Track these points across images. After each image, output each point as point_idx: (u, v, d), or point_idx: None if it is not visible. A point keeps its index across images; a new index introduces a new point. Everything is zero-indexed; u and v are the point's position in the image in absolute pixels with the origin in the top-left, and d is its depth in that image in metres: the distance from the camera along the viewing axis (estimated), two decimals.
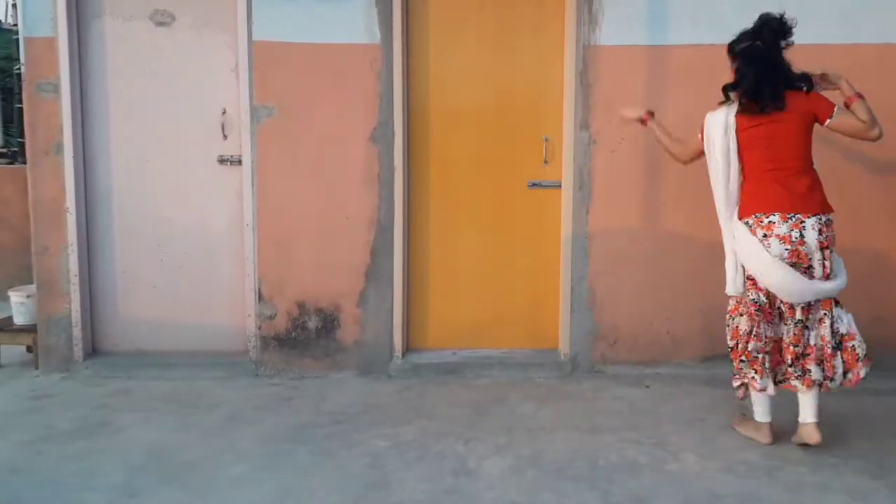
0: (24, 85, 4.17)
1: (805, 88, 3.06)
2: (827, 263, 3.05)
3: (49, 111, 4.06)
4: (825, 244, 3.03)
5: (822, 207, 3.06)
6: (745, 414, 3.35)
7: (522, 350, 4.28)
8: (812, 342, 3.10)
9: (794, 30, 3.08)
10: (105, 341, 4.30)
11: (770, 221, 3.03)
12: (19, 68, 6.16)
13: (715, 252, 4.11)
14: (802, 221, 3.01)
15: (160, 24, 4.14)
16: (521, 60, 4.17)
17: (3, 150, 8.18)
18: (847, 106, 3.03)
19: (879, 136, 3.03)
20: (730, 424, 3.37)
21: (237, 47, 4.08)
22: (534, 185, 4.22)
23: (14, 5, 8.94)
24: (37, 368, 4.21)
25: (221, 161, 4.20)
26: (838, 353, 3.10)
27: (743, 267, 3.14)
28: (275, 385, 4.01)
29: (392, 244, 4.11)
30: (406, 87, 4.11)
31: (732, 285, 3.19)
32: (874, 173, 4.12)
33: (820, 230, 3.02)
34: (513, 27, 4.16)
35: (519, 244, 4.23)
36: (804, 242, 3.01)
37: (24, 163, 4.34)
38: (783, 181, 3.05)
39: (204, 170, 4.21)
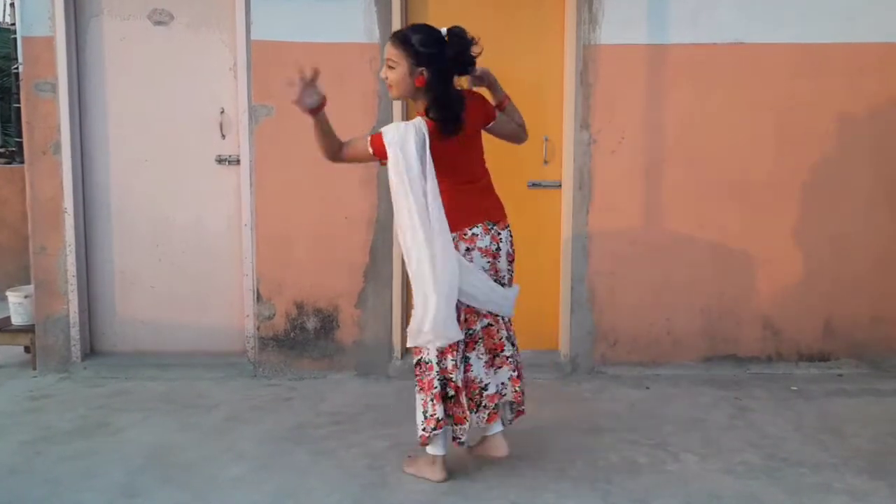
0: (22, 84, 4.16)
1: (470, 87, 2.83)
2: (511, 276, 2.94)
3: (47, 110, 4.05)
4: (512, 257, 2.93)
5: (506, 217, 2.93)
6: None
7: (522, 351, 4.23)
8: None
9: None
10: (103, 341, 4.29)
11: (473, 234, 2.78)
12: (17, 68, 6.15)
13: (715, 252, 4.14)
14: (499, 233, 2.85)
15: (158, 23, 4.13)
16: (520, 60, 4.16)
17: (1, 150, 8.16)
18: (501, 108, 2.86)
19: (525, 139, 2.97)
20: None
21: (235, 47, 4.07)
22: (534, 185, 4.21)
23: (12, 4, 8.91)
24: (35, 369, 4.20)
25: (220, 161, 4.19)
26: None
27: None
28: (273, 385, 4.00)
29: (391, 244, 4.10)
30: None
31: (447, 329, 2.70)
32: (874, 173, 4.12)
33: (511, 242, 2.91)
34: (513, 26, 4.16)
35: (518, 244, 4.19)
36: (499, 255, 2.85)
37: (22, 162, 4.34)
38: (478, 194, 2.83)
39: (202, 169, 4.19)
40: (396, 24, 3.99)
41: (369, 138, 2.76)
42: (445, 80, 2.67)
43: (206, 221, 4.23)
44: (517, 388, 2.92)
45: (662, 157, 4.10)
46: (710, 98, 4.08)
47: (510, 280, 2.94)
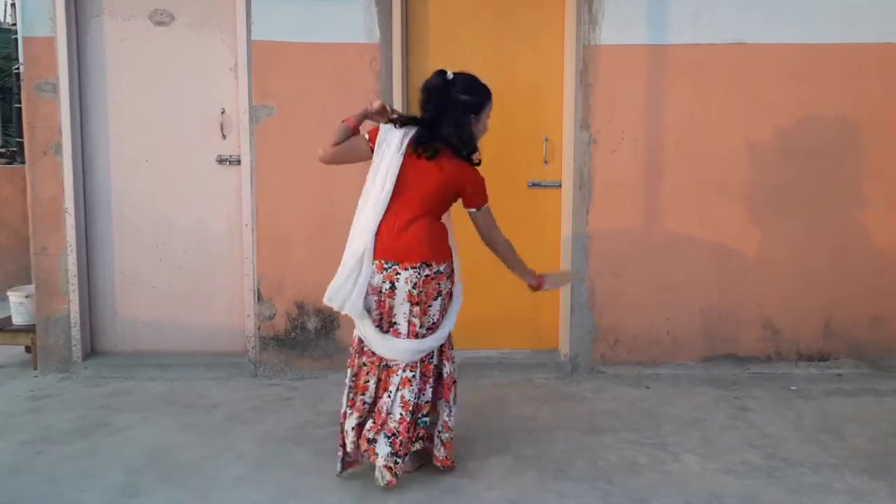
0: (23, 84, 4.17)
1: (473, 163, 2.83)
2: (415, 320, 2.77)
3: (48, 111, 4.05)
4: (417, 300, 2.76)
5: (427, 257, 2.77)
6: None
7: (522, 351, 4.27)
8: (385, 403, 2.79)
9: (483, 108, 2.85)
10: (104, 341, 4.30)
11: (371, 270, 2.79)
12: (18, 68, 6.16)
13: (715, 252, 4.14)
14: (398, 273, 2.76)
15: (159, 23, 4.14)
16: (521, 60, 4.16)
17: (2, 150, 8.16)
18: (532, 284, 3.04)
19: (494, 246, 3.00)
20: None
21: (236, 47, 4.07)
22: (534, 185, 4.22)
23: (13, 4, 8.92)
24: (36, 369, 4.20)
25: (220, 161, 4.19)
26: (411, 427, 2.77)
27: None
28: (274, 385, 4.00)
29: None
30: (405, 86, 4.10)
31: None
32: (874, 172, 4.12)
33: (415, 283, 2.75)
34: (513, 27, 4.16)
35: (519, 244, 4.20)
36: (394, 294, 2.77)
37: (23, 163, 4.34)
38: (391, 230, 2.77)
39: (203, 170, 4.20)
40: (397, 25, 3.99)
41: (368, 133, 2.88)
42: (431, 104, 2.81)
43: (206, 221, 4.23)
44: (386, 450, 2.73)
45: (662, 157, 4.10)
46: (710, 98, 4.08)
47: (409, 325, 2.78)
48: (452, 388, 2.92)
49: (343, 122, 2.88)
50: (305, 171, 4.08)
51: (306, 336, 4.17)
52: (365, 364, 2.85)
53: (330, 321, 4.16)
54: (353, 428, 2.81)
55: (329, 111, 4.06)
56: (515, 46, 4.15)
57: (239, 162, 4.15)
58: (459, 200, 2.88)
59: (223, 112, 4.16)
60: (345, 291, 2.79)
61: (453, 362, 2.96)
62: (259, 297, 4.15)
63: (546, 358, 4.21)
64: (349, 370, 2.91)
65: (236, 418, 3.51)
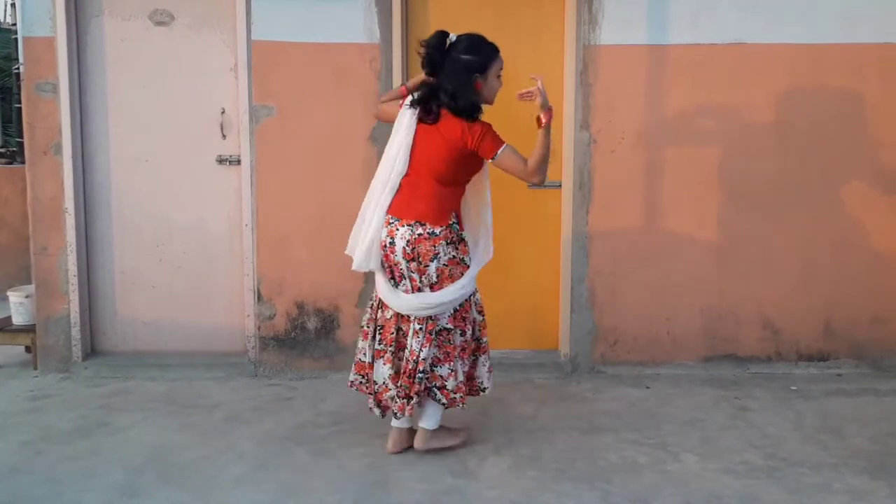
0: (23, 84, 4.17)
1: (468, 119, 2.87)
2: (414, 276, 2.90)
3: (48, 111, 4.05)
4: (411, 256, 2.87)
5: (421, 216, 2.88)
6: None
7: (522, 351, 4.27)
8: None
9: (488, 67, 2.91)
10: (104, 341, 4.30)
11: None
12: (18, 68, 6.16)
13: (715, 252, 4.14)
14: (397, 229, 2.90)
15: (159, 23, 4.14)
16: (521, 60, 4.15)
17: (2, 150, 8.16)
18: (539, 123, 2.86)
19: (539, 183, 2.97)
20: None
21: (236, 47, 4.07)
22: (534, 185, 4.20)
23: (13, 5, 8.92)
24: (35, 369, 4.20)
25: (220, 161, 4.20)
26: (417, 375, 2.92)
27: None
28: (274, 385, 4.00)
29: None
30: None
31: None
32: (874, 173, 4.12)
33: (408, 240, 2.87)
34: (513, 27, 4.16)
35: (519, 244, 4.22)
36: (394, 250, 2.90)
37: (23, 163, 4.34)
38: (406, 186, 2.93)
39: (203, 170, 4.20)
40: (397, 25, 3.99)
41: (402, 99, 3.08)
42: (428, 63, 2.94)
43: (206, 221, 4.23)
44: (397, 385, 2.95)
45: (662, 156, 4.10)
46: (710, 98, 4.08)
47: (411, 280, 2.92)
48: (470, 349, 3.06)
49: (401, 84, 3.19)
50: (305, 171, 4.09)
51: (306, 336, 4.17)
52: (390, 318, 3.01)
53: (330, 321, 4.16)
54: (389, 376, 2.99)
55: (329, 111, 4.07)
56: (515, 46, 4.14)
57: (239, 162, 4.15)
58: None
59: (223, 112, 4.16)
60: (354, 243, 3.03)
61: (472, 328, 3.05)
62: (259, 297, 4.15)
63: (546, 358, 4.21)
64: (368, 323, 3.08)
65: (236, 418, 3.51)
